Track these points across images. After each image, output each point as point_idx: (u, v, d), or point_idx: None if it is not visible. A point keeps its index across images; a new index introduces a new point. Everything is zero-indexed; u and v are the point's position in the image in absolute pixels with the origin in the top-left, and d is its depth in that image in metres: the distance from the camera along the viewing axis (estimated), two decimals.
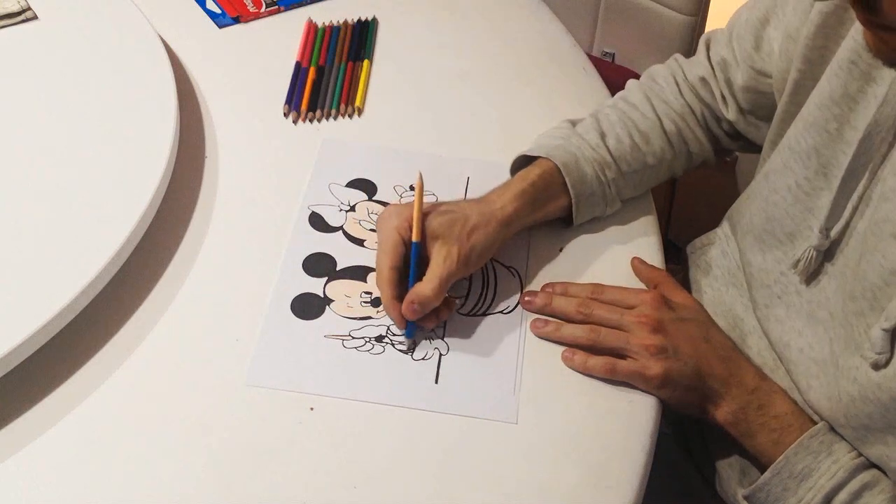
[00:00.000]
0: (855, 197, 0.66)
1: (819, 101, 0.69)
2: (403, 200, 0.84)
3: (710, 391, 0.72)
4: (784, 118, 0.75)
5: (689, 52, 0.91)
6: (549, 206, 0.80)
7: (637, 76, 0.91)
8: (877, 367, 0.63)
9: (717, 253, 0.86)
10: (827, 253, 0.70)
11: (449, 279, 0.72)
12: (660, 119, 0.84)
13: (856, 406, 0.65)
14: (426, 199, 0.77)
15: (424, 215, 0.73)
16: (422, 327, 0.74)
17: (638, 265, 0.80)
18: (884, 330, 0.62)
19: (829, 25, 0.68)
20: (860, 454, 0.68)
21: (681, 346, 0.72)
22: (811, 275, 0.71)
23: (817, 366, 0.70)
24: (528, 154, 0.81)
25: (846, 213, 0.67)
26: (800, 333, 0.72)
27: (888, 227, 0.62)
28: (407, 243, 0.73)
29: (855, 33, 0.65)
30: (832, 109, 0.68)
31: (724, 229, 0.87)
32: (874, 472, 0.67)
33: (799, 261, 0.71)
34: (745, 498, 0.73)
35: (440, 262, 0.72)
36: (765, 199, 0.76)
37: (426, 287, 0.71)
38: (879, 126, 0.63)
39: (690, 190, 1.56)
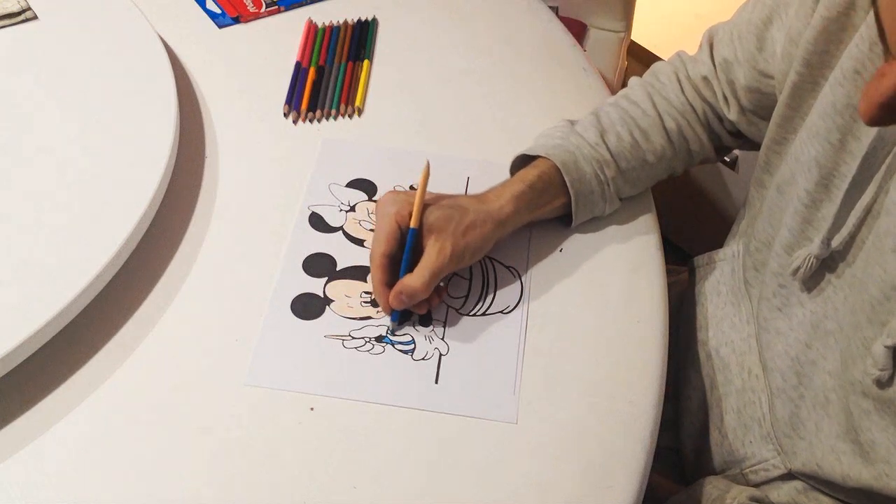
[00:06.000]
0: (860, 209, 0.66)
1: (822, 111, 0.68)
2: None
3: None
4: (780, 122, 0.75)
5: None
6: (548, 206, 0.80)
7: (583, 25, 0.89)
8: (880, 383, 0.63)
9: (728, 270, 0.86)
10: (830, 263, 0.69)
11: (439, 273, 0.72)
12: (660, 116, 0.84)
13: (870, 419, 0.65)
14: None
15: (424, 206, 0.74)
16: (414, 321, 0.74)
17: None
18: (886, 347, 0.61)
19: (831, 31, 0.68)
20: None
21: None
22: (813, 284, 0.71)
23: (833, 379, 0.69)
24: (528, 153, 0.81)
25: (850, 224, 0.66)
26: (807, 346, 0.72)
27: (890, 241, 0.61)
28: (403, 231, 0.73)
29: (859, 41, 0.65)
30: (835, 119, 0.67)
31: (735, 248, 0.86)
32: None
33: (799, 268, 0.70)
34: None
35: (433, 256, 0.72)
36: (782, 210, 0.75)
37: (416, 279, 0.71)
38: (885, 141, 0.63)
39: (691, 189, 1.56)
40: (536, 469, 0.66)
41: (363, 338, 0.74)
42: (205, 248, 0.79)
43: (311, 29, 1.02)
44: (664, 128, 0.84)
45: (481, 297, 0.77)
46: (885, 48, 0.49)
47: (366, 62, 0.98)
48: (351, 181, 0.86)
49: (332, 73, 0.96)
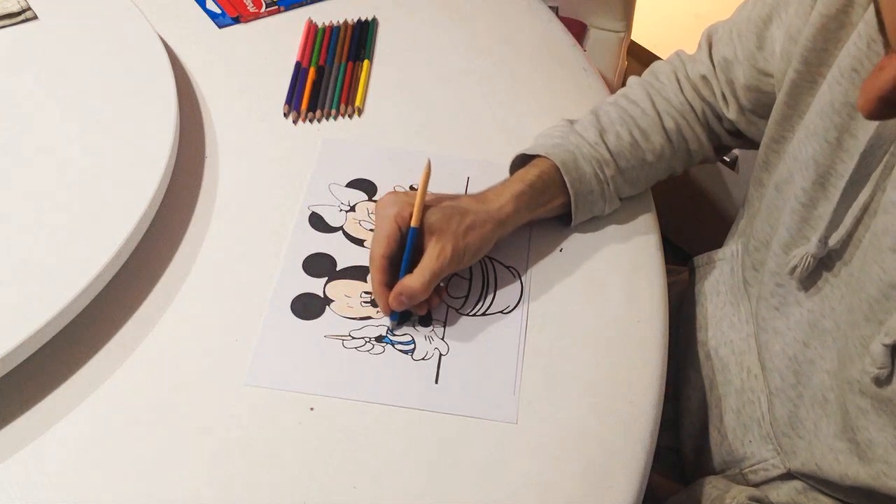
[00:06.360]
0: (857, 208, 0.66)
1: (820, 109, 0.68)
2: None
3: None
4: (779, 120, 0.75)
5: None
6: (547, 206, 0.80)
7: (583, 25, 0.89)
8: (878, 381, 0.63)
9: (727, 270, 0.86)
10: (828, 262, 0.69)
11: (439, 275, 0.72)
12: (660, 116, 0.84)
13: (867, 418, 0.65)
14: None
15: (425, 207, 0.74)
16: (414, 321, 0.74)
17: None
18: (884, 345, 0.61)
19: (830, 29, 0.68)
20: None
21: None
22: (810, 283, 0.71)
23: (830, 378, 0.69)
24: (527, 153, 0.81)
25: (847, 223, 0.66)
26: (805, 345, 0.72)
27: (887, 240, 0.61)
28: (403, 233, 0.73)
29: (857, 39, 0.65)
30: (833, 118, 0.67)
31: (734, 247, 0.86)
32: None
33: (796, 267, 0.71)
34: None
35: (433, 257, 0.72)
36: (780, 209, 0.75)
37: (415, 280, 0.71)
38: (882, 139, 0.63)
39: (691, 189, 1.56)
40: (536, 469, 0.66)
41: (363, 338, 0.74)
42: (205, 248, 0.79)
43: (311, 29, 1.02)
44: (663, 127, 0.84)
45: (481, 297, 0.77)
46: (884, 42, 0.49)
47: (366, 62, 0.98)
48: (351, 181, 0.86)
49: (332, 73, 0.96)
